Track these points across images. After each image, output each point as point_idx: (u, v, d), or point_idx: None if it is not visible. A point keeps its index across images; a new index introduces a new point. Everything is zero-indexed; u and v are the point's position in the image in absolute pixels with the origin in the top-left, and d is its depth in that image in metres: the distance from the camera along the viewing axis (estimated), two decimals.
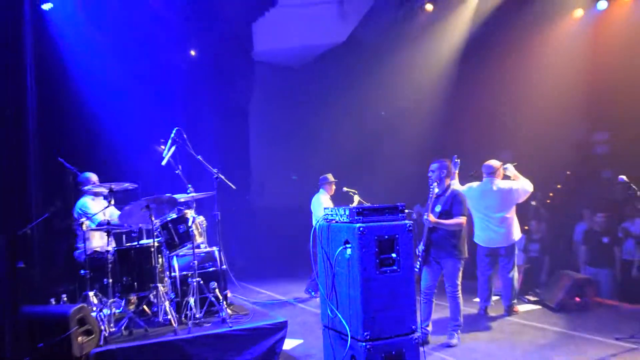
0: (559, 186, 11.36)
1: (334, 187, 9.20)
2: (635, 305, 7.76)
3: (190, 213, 6.44)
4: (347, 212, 4.30)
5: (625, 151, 10.91)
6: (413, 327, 4.20)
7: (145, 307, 6.13)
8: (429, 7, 11.09)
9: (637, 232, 8.52)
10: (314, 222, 9.16)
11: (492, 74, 11.42)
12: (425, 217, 6.15)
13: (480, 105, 12.14)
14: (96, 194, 6.67)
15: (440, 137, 12.14)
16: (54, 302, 6.11)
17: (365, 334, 4.02)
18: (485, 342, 6.37)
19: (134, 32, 9.93)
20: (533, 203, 9.99)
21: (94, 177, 6.75)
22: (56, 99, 8.44)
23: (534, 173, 7.96)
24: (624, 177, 6.28)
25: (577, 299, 7.54)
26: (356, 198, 8.50)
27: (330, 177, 9.20)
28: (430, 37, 11.92)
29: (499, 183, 7.37)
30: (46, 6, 8.46)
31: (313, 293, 9.08)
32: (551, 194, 11.22)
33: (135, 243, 6.26)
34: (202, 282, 5.97)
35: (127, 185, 6.26)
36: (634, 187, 6.26)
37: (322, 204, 8.98)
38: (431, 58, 12.22)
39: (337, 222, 4.42)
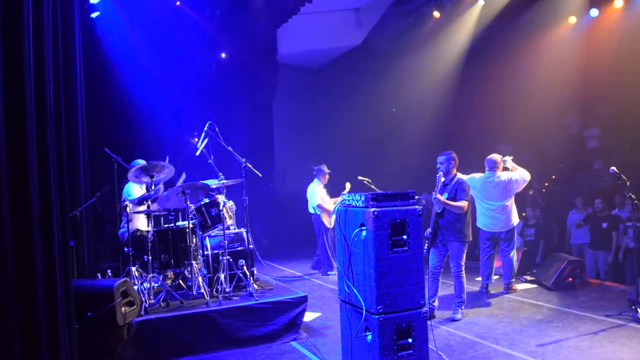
0: (553, 177, 11.16)
1: (327, 177, 9.08)
2: (624, 285, 7.58)
3: (221, 198, 6.41)
4: (362, 198, 4.21)
5: (614, 145, 10.70)
6: (421, 302, 4.11)
7: (180, 281, 6.12)
8: (436, 14, 10.94)
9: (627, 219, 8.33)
10: (310, 210, 9.13)
11: (493, 75, 11.24)
12: (434, 195, 6.05)
13: (482, 102, 11.97)
14: (141, 181, 6.63)
15: (446, 132, 11.99)
16: (100, 277, 6.15)
17: (379, 307, 3.94)
18: (486, 317, 6.26)
19: (172, 37, 9.92)
20: (530, 192, 9.82)
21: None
22: (102, 97, 8.43)
23: (531, 164, 7.81)
24: (615, 169, 6.12)
25: (570, 279, 7.38)
26: (348, 186, 8.40)
27: (325, 168, 9.07)
28: (437, 41, 11.80)
29: (500, 175, 7.21)
30: (94, 14, 8.43)
31: (329, 272, 9.01)
32: (546, 184, 11.03)
33: (172, 224, 6.26)
34: (231, 260, 5.93)
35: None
36: (623, 177, 6.10)
37: (316, 192, 8.89)
38: (438, 60, 12.09)
39: (354, 207, 4.33)
